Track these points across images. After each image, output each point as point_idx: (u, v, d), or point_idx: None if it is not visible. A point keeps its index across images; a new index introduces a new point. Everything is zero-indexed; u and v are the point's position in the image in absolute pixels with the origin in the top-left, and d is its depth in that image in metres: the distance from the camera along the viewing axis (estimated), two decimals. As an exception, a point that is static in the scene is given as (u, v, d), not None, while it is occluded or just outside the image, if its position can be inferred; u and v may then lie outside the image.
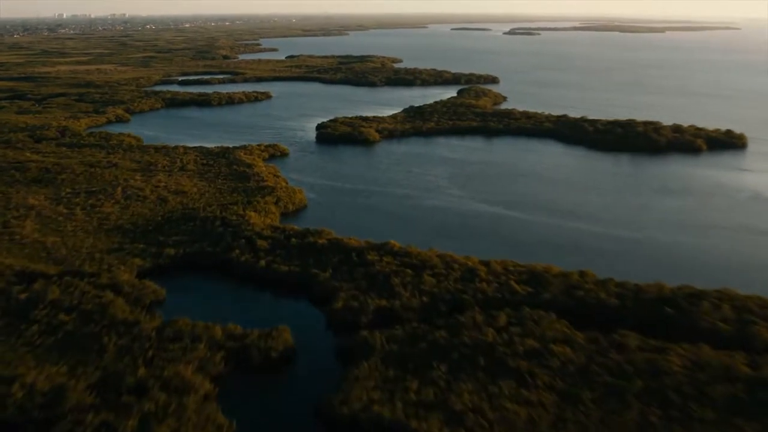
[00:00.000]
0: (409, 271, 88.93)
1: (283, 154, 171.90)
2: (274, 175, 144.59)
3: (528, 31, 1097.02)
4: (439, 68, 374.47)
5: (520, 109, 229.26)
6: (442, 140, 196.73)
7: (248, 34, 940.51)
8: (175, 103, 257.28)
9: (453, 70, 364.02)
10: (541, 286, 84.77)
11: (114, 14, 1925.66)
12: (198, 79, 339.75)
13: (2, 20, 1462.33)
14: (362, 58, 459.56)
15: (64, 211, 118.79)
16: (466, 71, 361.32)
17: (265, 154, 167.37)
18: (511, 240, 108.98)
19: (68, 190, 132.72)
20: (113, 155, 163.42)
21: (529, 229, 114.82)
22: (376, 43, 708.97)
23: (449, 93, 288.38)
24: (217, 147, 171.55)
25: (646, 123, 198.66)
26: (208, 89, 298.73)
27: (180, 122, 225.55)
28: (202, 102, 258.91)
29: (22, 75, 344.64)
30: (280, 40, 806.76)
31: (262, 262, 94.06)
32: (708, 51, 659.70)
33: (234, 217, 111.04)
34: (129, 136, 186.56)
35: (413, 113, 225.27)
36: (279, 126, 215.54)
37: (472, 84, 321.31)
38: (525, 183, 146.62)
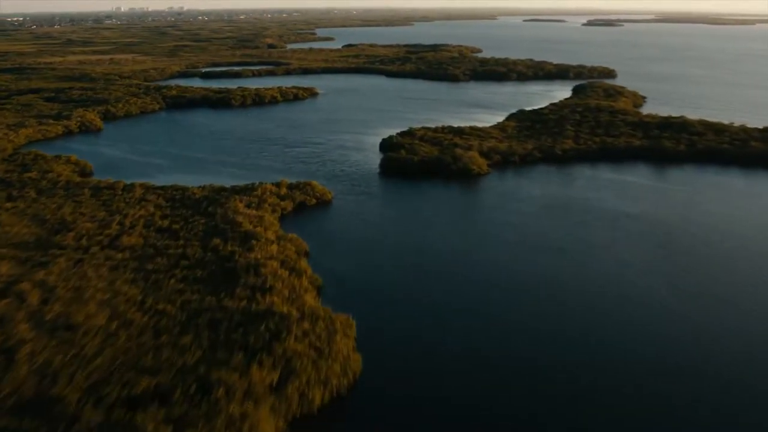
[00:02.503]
0: None
1: (321, 203, 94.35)
2: (291, 269, 66.85)
3: (608, 23, 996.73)
4: (536, 59, 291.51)
5: (681, 116, 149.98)
6: (587, 170, 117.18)
7: (304, 24, 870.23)
8: (181, 103, 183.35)
9: (553, 62, 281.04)
10: None
11: (171, 7, 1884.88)
12: (226, 71, 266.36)
13: (55, 14, 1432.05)
14: (435, 47, 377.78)
15: None
16: (572, 63, 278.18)
17: (286, 205, 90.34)
18: None
19: None
20: (10, 204, 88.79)
21: None
22: (446, 34, 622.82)
23: (560, 90, 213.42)
24: (203, 188, 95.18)
25: None
26: (234, 84, 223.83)
27: (172, 134, 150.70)
28: (218, 102, 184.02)
29: (14, 66, 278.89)
30: (338, 29, 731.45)
31: None
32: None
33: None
34: (69, 161, 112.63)
35: (530, 122, 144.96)
36: (320, 142, 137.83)
37: (584, 78, 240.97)
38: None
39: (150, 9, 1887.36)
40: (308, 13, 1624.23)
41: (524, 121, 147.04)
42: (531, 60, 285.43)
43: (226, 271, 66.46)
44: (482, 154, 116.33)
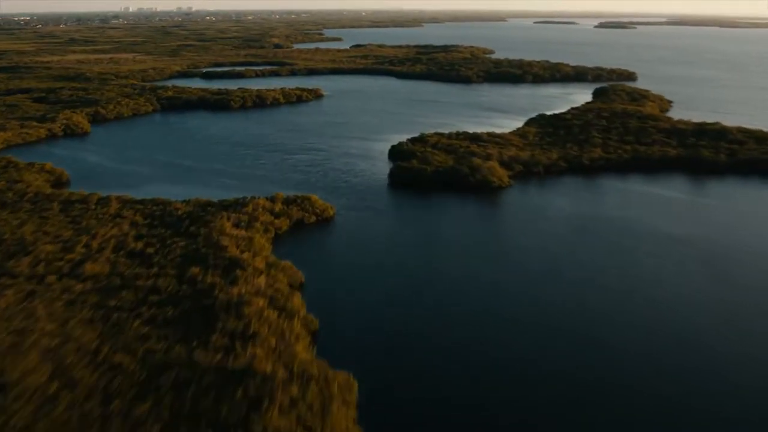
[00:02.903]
0: None
1: (321, 220, 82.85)
2: (281, 308, 55.60)
3: (621, 25, 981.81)
4: (552, 60, 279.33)
5: (716, 122, 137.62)
6: (619, 183, 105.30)
7: (312, 24, 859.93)
8: (176, 104, 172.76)
9: (570, 63, 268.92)
10: None
11: (180, 7, 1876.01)
12: (228, 72, 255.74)
13: (62, 13, 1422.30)
14: (446, 48, 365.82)
15: None
16: (588, 64, 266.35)
17: (281, 224, 78.91)
18: None
19: None
20: (-37, 221, 78.02)
21: None
22: (457, 35, 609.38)
23: (579, 93, 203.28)
24: (187, 202, 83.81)
25: None
26: (236, 84, 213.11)
27: (163, 138, 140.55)
28: (216, 104, 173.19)
29: (10, 65, 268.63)
30: (347, 30, 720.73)
31: None
32: None
33: None
34: (43, 169, 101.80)
35: (553, 128, 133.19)
36: (323, 149, 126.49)
37: (603, 81, 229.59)
38: None
39: (158, 9, 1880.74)
40: (317, 14, 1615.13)
41: (546, 126, 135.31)
42: (547, 61, 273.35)
43: (203, 309, 55.09)
44: (502, 163, 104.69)
